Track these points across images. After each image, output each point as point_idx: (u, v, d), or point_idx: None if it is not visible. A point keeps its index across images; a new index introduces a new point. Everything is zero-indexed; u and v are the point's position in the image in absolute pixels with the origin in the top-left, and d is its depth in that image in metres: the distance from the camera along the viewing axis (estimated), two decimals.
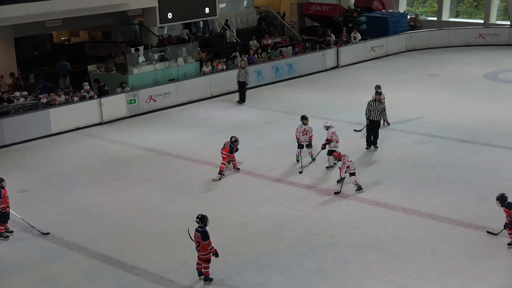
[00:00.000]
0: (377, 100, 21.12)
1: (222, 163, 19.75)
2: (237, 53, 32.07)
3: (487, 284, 13.39)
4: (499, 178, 18.60)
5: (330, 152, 19.92)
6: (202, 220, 13.70)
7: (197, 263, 13.89)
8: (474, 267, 14.03)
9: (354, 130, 23.32)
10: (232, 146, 19.70)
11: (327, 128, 20.23)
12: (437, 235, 15.53)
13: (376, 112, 21.11)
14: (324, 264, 14.41)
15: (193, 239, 13.77)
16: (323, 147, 20.17)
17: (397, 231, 15.84)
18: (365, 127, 21.72)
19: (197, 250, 13.75)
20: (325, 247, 15.18)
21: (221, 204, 17.87)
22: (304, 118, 20.45)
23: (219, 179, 19.52)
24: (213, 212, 17.05)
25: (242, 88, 28.61)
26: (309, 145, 20.52)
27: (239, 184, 19.22)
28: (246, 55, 31.72)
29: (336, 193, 18.12)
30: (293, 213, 17.09)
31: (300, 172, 19.68)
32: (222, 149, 19.89)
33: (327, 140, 20.05)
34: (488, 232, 15.41)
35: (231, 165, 20.07)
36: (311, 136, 20.42)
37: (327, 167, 20.12)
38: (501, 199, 14.74)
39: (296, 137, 20.44)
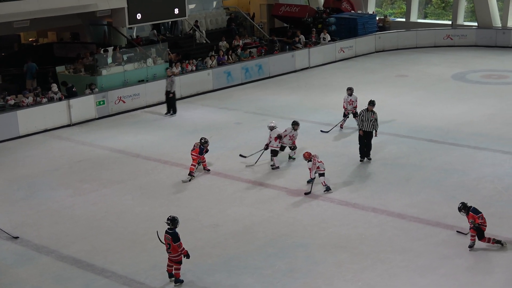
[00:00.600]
0: (370, 110, 20.42)
1: (192, 165, 19.71)
2: (214, 53, 32.06)
3: (457, 283, 13.51)
4: (468, 177, 18.78)
5: (276, 153, 20.26)
6: (173, 221, 13.63)
7: (168, 265, 13.82)
8: (443, 266, 14.14)
9: (321, 131, 23.38)
10: (202, 148, 19.65)
11: (272, 128, 20.34)
12: (406, 235, 15.63)
13: (368, 123, 20.37)
14: (295, 264, 14.43)
15: (163, 242, 13.71)
16: (266, 148, 20.48)
17: (367, 231, 15.91)
18: (358, 137, 20.76)
19: (168, 252, 13.69)
20: (295, 247, 15.20)
21: (192, 205, 17.81)
22: (296, 124, 20.49)
23: (189, 180, 19.47)
24: (184, 213, 17.00)
25: (169, 98, 27.00)
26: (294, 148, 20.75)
27: (210, 186, 19.18)
28: (216, 56, 31.80)
29: (306, 193, 18.16)
30: (264, 214, 17.09)
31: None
32: (192, 150, 19.84)
33: (270, 140, 20.35)
34: (457, 231, 15.54)
35: (201, 167, 20.03)
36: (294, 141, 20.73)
37: (272, 166, 20.34)
38: (464, 208, 14.85)
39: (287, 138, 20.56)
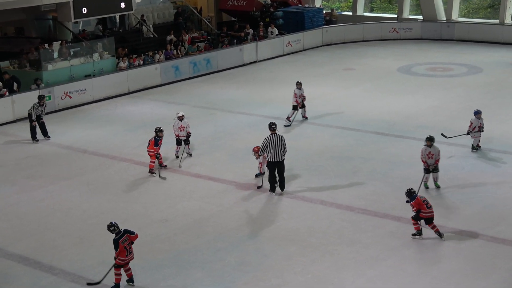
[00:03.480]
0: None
1: (151, 161, 19.43)
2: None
3: (404, 274, 13.69)
4: (414, 169, 19.01)
5: (180, 142, 20.48)
6: (109, 228, 13.31)
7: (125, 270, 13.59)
8: (391, 257, 14.33)
9: (442, 134, 20.97)
10: (157, 138, 19.27)
11: (182, 118, 20.41)
12: (355, 227, 15.79)
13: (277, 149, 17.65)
14: (244, 258, 14.47)
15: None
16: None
17: (315, 223, 16.03)
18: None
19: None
20: (245, 241, 15.24)
21: (140, 200, 17.71)
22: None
23: (159, 175, 19.25)
24: (132, 209, 16.94)
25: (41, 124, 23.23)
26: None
27: (158, 180, 19.09)
28: (163, 51, 31.67)
29: (258, 187, 18.18)
30: (213, 208, 17.08)
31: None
32: (147, 146, 19.53)
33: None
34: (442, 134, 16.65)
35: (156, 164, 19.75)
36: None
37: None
38: (409, 193, 15.09)
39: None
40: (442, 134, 20.78)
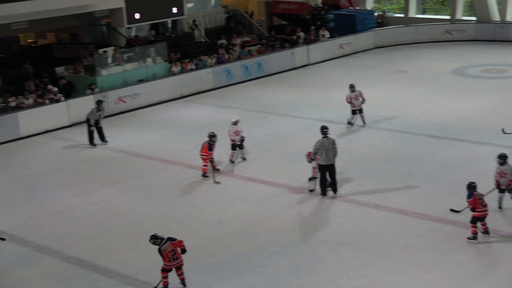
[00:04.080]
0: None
1: (204, 165, 19.57)
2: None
3: (459, 278, 13.51)
4: (469, 172, 18.75)
5: (235, 147, 20.45)
6: (153, 238, 13.50)
7: (178, 274, 13.66)
8: (446, 262, 14.15)
9: (503, 131, 21.47)
10: (210, 143, 19.43)
11: (236, 122, 20.45)
12: (409, 230, 15.64)
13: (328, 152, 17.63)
14: (298, 261, 14.45)
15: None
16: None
17: (369, 227, 15.93)
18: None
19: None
20: (298, 245, 15.22)
21: (194, 204, 17.83)
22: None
23: (213, 179, 19.32)
24: (186, 212, 17.06)
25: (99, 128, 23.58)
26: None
27: (212, 184, 19.18)
28: (215, 55, 31.86)
29: (311, 190, 18.15)
30: (266, 211, 17.10)
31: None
32: (200, 150, 19.65)
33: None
34: (451, 210, 16.00)
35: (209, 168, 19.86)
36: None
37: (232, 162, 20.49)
38: (468, 186, 14.98)
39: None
40: (502, 130, 20.39)
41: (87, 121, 23.16)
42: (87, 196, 18.71)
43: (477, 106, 25.80)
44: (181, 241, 13.48)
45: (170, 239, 13.46)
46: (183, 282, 13.64)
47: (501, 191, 16.34)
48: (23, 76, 29.12)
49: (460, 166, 19.47)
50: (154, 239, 13.45)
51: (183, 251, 13.51)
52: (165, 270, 13.44)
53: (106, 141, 23.34)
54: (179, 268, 13.53)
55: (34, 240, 16.04)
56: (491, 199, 15.77)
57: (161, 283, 13.47)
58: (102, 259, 14.98)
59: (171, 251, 13.36)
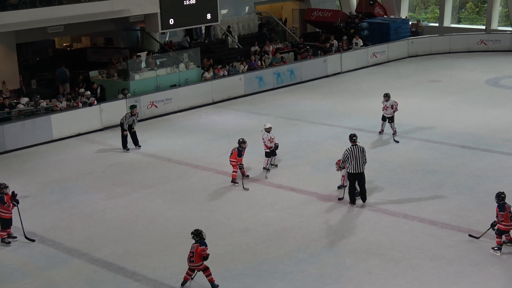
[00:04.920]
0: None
1: (233, 171, 19.63)
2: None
3: None
4: (501, 184, 18.56)
5: (269, 154, 20.48)
6: (198, 235, 13.73)
7: (187, 273, 13.84)
8: (475, 274, 14.01)
9: None
10: (240, 149, 19.48)
11: (269, 130, 20.43)
12: (438, 241, 15.51)
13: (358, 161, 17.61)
14: (325, 270, 14.39)
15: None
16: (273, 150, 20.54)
17: (398, 237, 15.82)
18: None
19: (190, 261, 13.66)
20: (326, 253, 15.17)
21: (222, 210, 17.85)
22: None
23: (242, 186, 19.37)
24: (215, 218, 17.09)
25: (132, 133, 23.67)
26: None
27: (240, 190, 19.21)
28: (248, 61, 31.92)
29: (340, 199, 18.10)
30: (294, 219, 17.07)
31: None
32: (230, 156, 19.72)
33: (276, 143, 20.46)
34: (470, 235, 15.56)
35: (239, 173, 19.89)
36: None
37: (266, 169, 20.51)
38: (497, 196, 14.90)
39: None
40: None
41: (121, 125, 23.33)
42: (117, 200, 18.83)
43: (511, 117, 25.52)
44: (202, 249, 13.52)
45: (200, 243, 13.55)
46: (183, 281, 13.87)
47: None
48: (59, 79, 29.43)
49: (491, 178, 19.27)
50: (194, 235, 13.69)
51: (204, 258, 13.59)
52: (189, 268, 13.80)
53: (139, 146, 23.49)
54: (192, 270, 13.76)
55: (64, 242, 16.17)
56: None
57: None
58: (129, 262, 15.05)
59: (190, 253, 13.59)
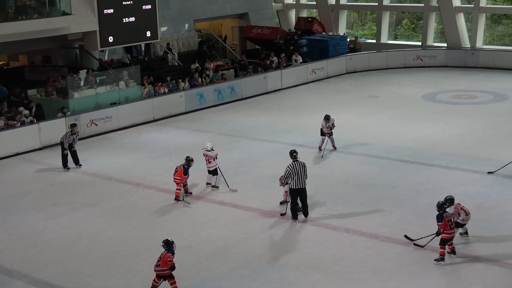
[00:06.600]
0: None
1: (177, 189, 19.54)
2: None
3: None
4: (439, 196, 18.78)
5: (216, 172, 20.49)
6: (168, 245, 13.99)
7: (154, 281, 13.92)
8: (416, 286, 14.24)
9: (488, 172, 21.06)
10: (186, 167, 19.44)
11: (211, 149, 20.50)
12: (379, 255, 15.73)
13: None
14: (269, 285, 14.45)
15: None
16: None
17: (340, 251, 15.99)
18: None
19: (156, 265, 13.90)
20: (269, 268, 15.23)
21: (165, 228, 17.77)
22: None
23: (184, 202, 19.39)
24: (157, 236, 16.96)
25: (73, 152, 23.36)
26: None
27: (183, 208, 19.16)
28: (187, 78, 31.90)
29: (282, 214, 18.20)
30: (237, 235, 17.10)
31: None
32: (174, 174, 19.65)
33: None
34: (405, 236, 16.09)
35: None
36: None
37: (211, 186, 20.56)
38: (437, 206, 15.32)
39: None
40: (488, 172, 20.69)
41: (61, 144, 23.05)
42: (57, 219, 18.58)
43: (447, 131, 26.08)
44: (168, 256, 13.78)
45: (168, 251, 13.87)
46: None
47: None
48: None
49: (430, 191, 19.63)
50: (164, 243, 13.97)
51: (171, 267, 13.81)
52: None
53: (79, 165, 23.23)
54: (159, 277, 13.88)
55: (3, 264, 15.87)
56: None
57: None
58: (71, 283, 14.86)
59: (158, 258, 13.90)
